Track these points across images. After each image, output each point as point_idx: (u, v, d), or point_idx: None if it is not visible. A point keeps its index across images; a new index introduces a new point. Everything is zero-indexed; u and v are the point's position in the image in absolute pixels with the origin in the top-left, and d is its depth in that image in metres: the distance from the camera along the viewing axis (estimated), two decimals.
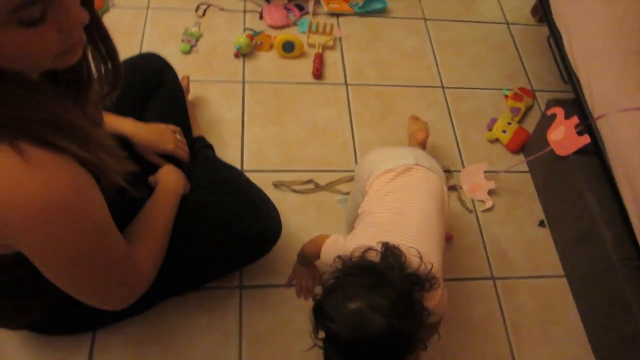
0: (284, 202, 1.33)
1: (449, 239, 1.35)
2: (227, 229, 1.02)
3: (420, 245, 0.87)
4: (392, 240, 0.85)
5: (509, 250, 1.37)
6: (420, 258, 0.83)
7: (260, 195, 1.11)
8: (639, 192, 1.06)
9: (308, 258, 1.13)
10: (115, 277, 0.74)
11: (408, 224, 0.92)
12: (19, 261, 0.66)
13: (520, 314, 1.27)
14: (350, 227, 1.29)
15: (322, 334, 0.77)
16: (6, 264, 0.69)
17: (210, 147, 1.35)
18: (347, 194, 1.39)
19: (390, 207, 0.97)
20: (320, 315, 0.77)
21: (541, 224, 1.41)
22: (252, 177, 1.16)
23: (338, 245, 0.93)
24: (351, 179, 1.42)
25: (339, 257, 0.83)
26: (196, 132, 1.35)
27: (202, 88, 1.54)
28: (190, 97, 1.46)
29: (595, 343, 1.23)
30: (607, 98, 1.14)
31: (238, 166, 1.40)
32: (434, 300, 0.85)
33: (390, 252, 0.82)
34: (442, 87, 1.68)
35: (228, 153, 1.42)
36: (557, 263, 1.35)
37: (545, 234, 1.40)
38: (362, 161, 1.16)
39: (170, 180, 1.00)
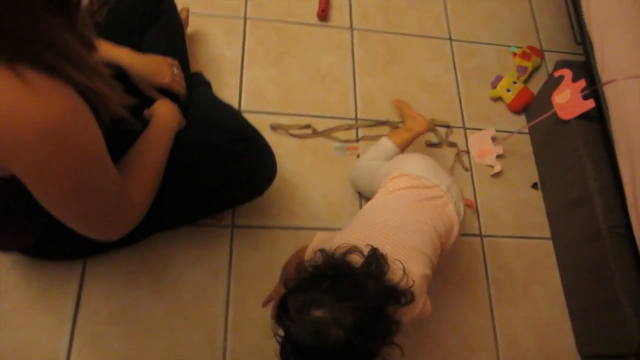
0: (280, 146, 1.31)
1: (469, 204, 1.35)
2: (221, 168, 1.01)
3: (409, 261, 0.84)
4: (382, 246, 0.82)
5: (499, 210, 1.38)
6: (404, 272, 0.80)
7: (256, 137, 1.09)
8: (637, 161, 1.06)
9: (291, 275, 1.12)
10: (108, 207, 0.74)
11: (404, 234, 0.89)
12: (12, 185, 0.66)
13: (503, 272, 1.30)
14: (356, 189, 1.29)
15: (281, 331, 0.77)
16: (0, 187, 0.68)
17: (207, 84, 1.31)
18: (345, 141, 1.38)
19: (395, 211, 0.95)
20: (283, 313, 0.75)
21: (534, 186, 1.42)
22: (249, 117, 1.14)
23: (325, 239, 0.90)
24: (350, 127, 1.40)
25: (321, 250, 0.81)
26: (194, 68, 1.31)
27: (202, 22, 1.48)
28: (188, 30, 1.40)
29: (571, 306, 1.27)
30: (618, 63, 1.11)
31: (235, 106, 1.37)
32: (412, 313, 0.83)
33: (375, 259, 0.79)
34: (450, 39, 1.63)
35: (226, 91, 1.39)
36: (545, 226, 1.38)
37: (537, 196, 1.41)
38: (399, 156, 1.15)
39: (165, 115, 0.98)
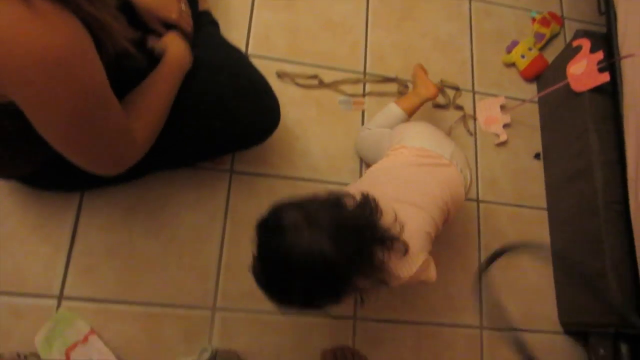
0: (284, 94, 1.29)
1: None
2: (225, 111, 1.00)
3: (408, 215, 0.83)
4: (380, 199, 0.81)
5: (499, 177, 1.38)
6: (396, 219, 0.79)
7: (262, 82, 1.07)
8: None
9: None
10: (109, 142, 0.74)
11: (406, 192, 0.89)
12: (11, 112, 0.65)
13: (496, 238, 1.32)
14: (359, 156, 1.29)
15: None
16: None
17: (215, 24, 1.27)
18: (352, 95, 1.35)
19: (398, 173, 0.94)
20: (260, 225, 0.75)
21: (537, 156, 1.41)
22: (255, 62, 1.11)
23: None
24: (357, 81, 1.37)
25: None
26: (202, 6, 1.26)
27: None
28: None
29: (558, 276, 1.30)
30: None
31: (242, 49, 1.34)
32: (410, 270, 0.82)
33: (367, 201, 0.78)
34: None
35: (234, 34, 1.35)
36: (543, 196, 1.38)
37: (538, 166, 1.41)
38: (400, 127, 1.11)
39: (177, 53, 0.95)
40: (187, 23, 1.08)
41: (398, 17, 1.49)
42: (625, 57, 1.10)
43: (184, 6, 1.07)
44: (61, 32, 0.57)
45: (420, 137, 1.02)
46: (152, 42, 0.97)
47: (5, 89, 0.60)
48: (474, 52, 1.50)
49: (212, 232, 1.17)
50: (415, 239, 0.83)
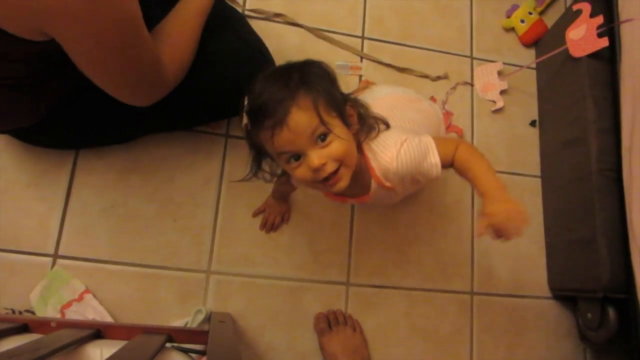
0: (282, 58, 1.26)
1: (457, 132, 1.35)
2: (226, 73, 0.98)
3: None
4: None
5: (494, 145, 1.38)
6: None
7: (261, 47, 1.05)
8: (638, 107, 1.04)
9: (284, 192, 1.11)
10: (144, 71, 0.77)
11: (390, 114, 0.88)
12: (31, 56, 0.70)
13: None
14: None
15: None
16: (19, 58, 0.71)
17: None
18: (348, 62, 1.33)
19: (382, 105, 0.92)
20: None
21: (532, 123, 1.41)
22: (252, 24, 1.09)
23: None
24: (353, 50, 1.35)
25: None
26: None
27: None
28: None
29: (549, 242, 1.31)
30: None
31: (238, 8, 1.31)
32: (391, 149, 0.78)
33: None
34: None
35: None
36: (537, 163, 1.38)
37: (533, 133, 1.41)
38: (367, 93, 1.07)
39: None
40: None
41: None
42: (625, 21, 1.08)
43: None
44: None
45: (387, 88, 1.05)
46: None
47: (48, 24, 0.62)
48: (474, 16, 1.47)
49: (207, 195, 1.17)
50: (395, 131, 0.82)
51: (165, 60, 0.81)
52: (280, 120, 0.68)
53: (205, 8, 0.92)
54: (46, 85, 0.83)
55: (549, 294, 1.30)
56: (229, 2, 1.16)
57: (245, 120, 0.74)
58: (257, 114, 0.71)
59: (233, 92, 1.02)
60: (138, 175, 1.14)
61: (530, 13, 1.45)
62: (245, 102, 0.74)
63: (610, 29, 1.14)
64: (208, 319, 1.07)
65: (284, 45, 1.31)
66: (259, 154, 0.80)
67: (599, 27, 1.16)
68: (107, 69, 0.73)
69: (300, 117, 0.69)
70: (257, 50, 1.05)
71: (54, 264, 1.07)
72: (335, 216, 1.22)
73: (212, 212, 1.16)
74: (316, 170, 0.71)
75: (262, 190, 1.18)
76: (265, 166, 0.84)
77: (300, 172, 0.73)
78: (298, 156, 0.72)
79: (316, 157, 0.70)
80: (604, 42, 1.14)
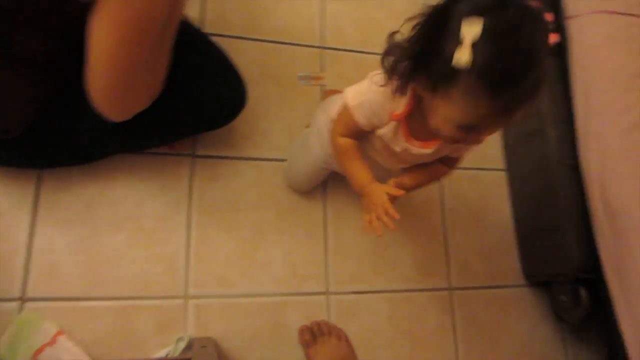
0: (243, 72, 1.25)
1: None
2: (192, 90, 0.96)
3: None
4: None
5: None
6: None
7: (227, 62, 1.04)
8: (591, 95, 1.10)
9: (345, 151, 0.90)
10: (153, 75, 0.79)
11: None
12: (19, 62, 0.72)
13: (458, 201, 1.36)
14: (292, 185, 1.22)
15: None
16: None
17: None
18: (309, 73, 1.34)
19: None
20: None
21: None
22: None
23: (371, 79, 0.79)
24: (316, 58, 1.35)
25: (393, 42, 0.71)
26: None
27: None
28: None
29: (520, 232, 1.36)
30: None
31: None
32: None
33: None
34: None
35: (189, 13, 1.29)
36: (501, 158, 1.43)
37: None
38: (324, 105, 1.04)
39: None
40: None
41: None
42: (572, 17, 1.14)
43: None
44: None
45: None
46: None
47: None
48: None
49: (178, 218, 1.14)
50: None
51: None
52: (504, 98, 0.60)
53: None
54: (51, 72, 0.81)
55: (524, 282, 1.34)
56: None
57: (466, 58, 0.59)
58: (500, 66, 0.59)
59: (202, 110, 1.01)
60: (105, 205, 1.10)
61: None
62: (479, 24, 0.58)
63: (559, 25, 1.20)
64: (190, 345, 1.04)
65: (245, 60, 1.30)
66: (424, 65, 0.67)
67: (550, 24, 1.21)
68: (129, 54, 0.70)
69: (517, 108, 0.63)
70: (223, 64, 1.03)
71: (21, 308, 1.01)
72: (309, 227, 1.22)
73: (185, 236, 1.14)
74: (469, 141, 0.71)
75: (235, 210, 1.17)
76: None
77: (455, 133, 0.68)
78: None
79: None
80: (556, 38, 1.19)
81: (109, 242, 1.08)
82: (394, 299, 1.23)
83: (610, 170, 1.06)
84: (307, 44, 1.37)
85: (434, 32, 0.63)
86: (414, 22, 0.67)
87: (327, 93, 1.30)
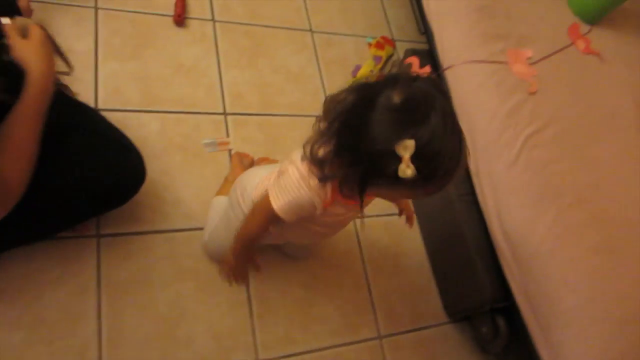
0: (146, 145, 1.23)
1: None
2: (86, 173, 0.93)
3: None
4: None
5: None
6: None
7: (122, 139, 1.02)
8: (477, 136, 1.21)
9: (255, 239, 0.95)
10: None
11: None
12: None
13: (375, 248, 1.40)
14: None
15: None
16: None
17: (62, 85, 1.18)
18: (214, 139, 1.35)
19: None
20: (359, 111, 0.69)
21: None
22: (109, 117, 1.06)
23: (295, 169, 0.81)
24: (220, 124, 1.37)
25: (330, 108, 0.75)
26: None
27: (46, 10, 1.33)
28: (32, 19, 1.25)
29: (436, 270, 1.41)
30: (455, 50, 1.25)
31: (91, 104, 1.26)
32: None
33: None
34: (311, 30, 1.68)
35: (79, 89, 1.26)
36: (410, 202, 1.50)
37: None
38: (237, 186, 1.05)
39: (43, 71, 0.84)
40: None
41: (248, 55, 1.53)
42: (447, 68, 1.27)
43: None
44: None
45: (260, 170, 1.04)
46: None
47: None
48: (324, 79, 1.60)
49: (86, 307, 1.06)
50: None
51: (3, 166, 0.75)
52: (451, 177, 0.71)
53: (47, 95, 0.85)
54: None
55: (447, 319, 1.38)
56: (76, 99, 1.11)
57: (411, 171, 0.65)
58: (432, 167, 0.67)
59: (98, 191, 0.98)
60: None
61: (372, 71, 1.62)
62: (412, 144, 0.64)
63: (438, 74, 1.33)
64: None
65: (145, 133, 1.29)
66: (373, 177, 0.71)
67: (429, 75, 1.34)
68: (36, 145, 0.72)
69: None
70: (119, 143, 1.01)
71: None
72: (231, 293, 1.19)
73: (95, 324, 1.05)
74: None
75: (149, 287, 1.11)
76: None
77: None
78: None
79: None
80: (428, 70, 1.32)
81: (5, 344, 0.98)
82: (325, 357, 1.21)
83: (503, 202, 1.15)
84: (209, 111, 1.39)
85: (354, 136, 0.69)
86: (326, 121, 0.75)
87: (236, 156, 1.32)
